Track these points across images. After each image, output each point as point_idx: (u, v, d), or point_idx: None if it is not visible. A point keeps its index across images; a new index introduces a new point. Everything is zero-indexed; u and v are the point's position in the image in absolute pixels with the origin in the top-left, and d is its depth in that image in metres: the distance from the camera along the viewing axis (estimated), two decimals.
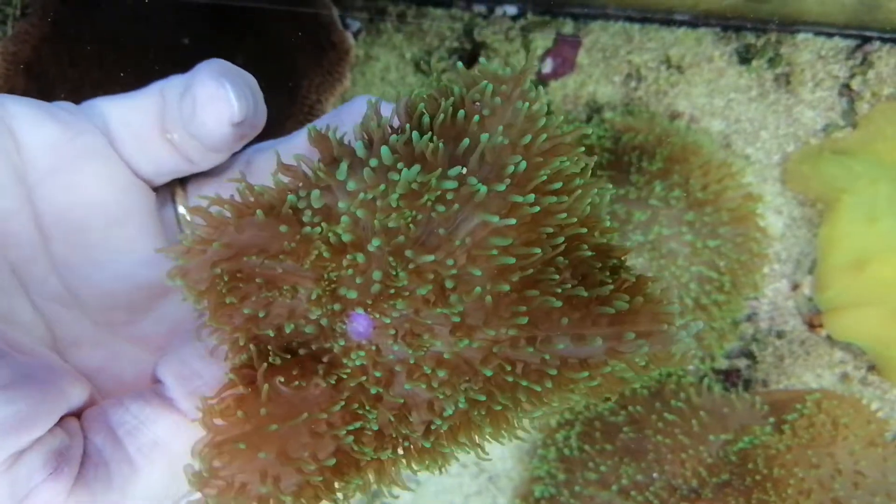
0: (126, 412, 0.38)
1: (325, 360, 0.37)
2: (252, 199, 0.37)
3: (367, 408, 0.37)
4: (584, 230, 0.38)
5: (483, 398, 0.37)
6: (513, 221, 0.35)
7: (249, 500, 0.36)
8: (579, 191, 0.38)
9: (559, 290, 0.36)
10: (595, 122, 1.32)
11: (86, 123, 0.44)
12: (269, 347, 0.37)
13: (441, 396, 0.37)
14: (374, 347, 0.37)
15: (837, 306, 1.31)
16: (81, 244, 0.46)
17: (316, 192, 0.36)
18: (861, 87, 1.35)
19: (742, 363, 1.36)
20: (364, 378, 0.37)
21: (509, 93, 0.37)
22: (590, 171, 0.40)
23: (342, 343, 0.37)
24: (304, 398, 0.36)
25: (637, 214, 1.23)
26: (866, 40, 1.35)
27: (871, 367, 1.34)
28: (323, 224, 0.36)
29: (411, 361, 0.37)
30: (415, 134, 0.36)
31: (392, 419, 0.37)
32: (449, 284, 0.35)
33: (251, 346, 0.37)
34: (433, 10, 1.31)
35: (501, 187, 0.36)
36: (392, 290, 0.36)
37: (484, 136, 0.36)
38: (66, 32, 0.93)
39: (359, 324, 0.36)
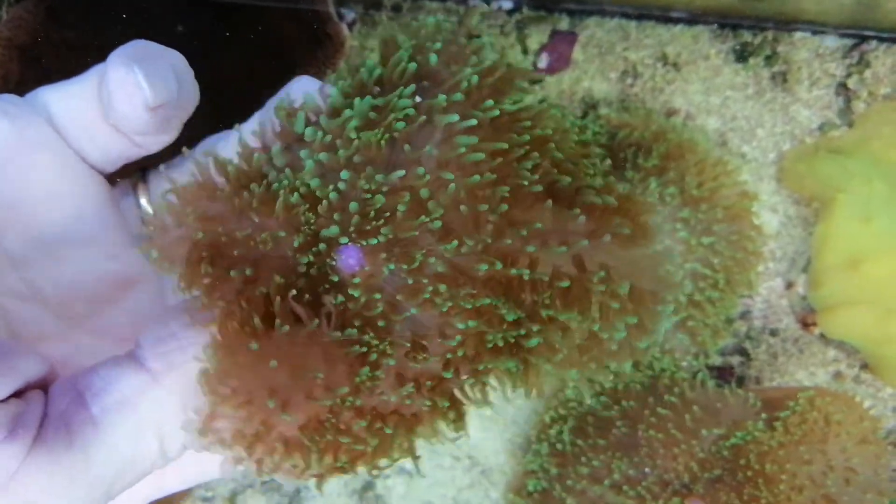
0: (95, 375, 0.37)
1: (324, 304, 0.36)
2: (218, 171, 0.37)
3: (377, 343, 0.36)
4: (552, 135, 0.39)
5: (487, 301, 0.36)
6: (474, 122, 0.36)
7: (256, 414, 0.34)
8: (538, 109, 0.39)
9: (537, 178, 0.37)
10: (590, 119, 1.32)
11: (32, 115, 0.43)
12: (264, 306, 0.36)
13: (444, 308, 0.36)
14: (366, 269, 0.36)
15: (831, 305, 1.31)
16: (38, 238, 0.44)
17: (276, 148, 0.36)
18: (858, 87, 1.35)
19: (735, 360, 1.37)
20: (364, 301, 0.36)
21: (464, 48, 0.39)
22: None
23: (336, 279, 0.36)
24: (311, 334, 0.35)
25: None
26: (863, 40, 1.35)
27: (864, 366, 1.34)
28: (290, 175, 0.36)
29: (409, 282, 0.36)
30: (368, 62, 0.38)
31: (408, 347, 0.36)
32: (424, 194, 0.36)
33: (243, 304, 0.36)
34: (428, 2, 1.31)
35: (459, 96, 0.36)
36: (372, 214, 0.36)
37: (432, 58, 0.38)
38: (62, 18, 0.93)
39: (347, 255, 0.36)
